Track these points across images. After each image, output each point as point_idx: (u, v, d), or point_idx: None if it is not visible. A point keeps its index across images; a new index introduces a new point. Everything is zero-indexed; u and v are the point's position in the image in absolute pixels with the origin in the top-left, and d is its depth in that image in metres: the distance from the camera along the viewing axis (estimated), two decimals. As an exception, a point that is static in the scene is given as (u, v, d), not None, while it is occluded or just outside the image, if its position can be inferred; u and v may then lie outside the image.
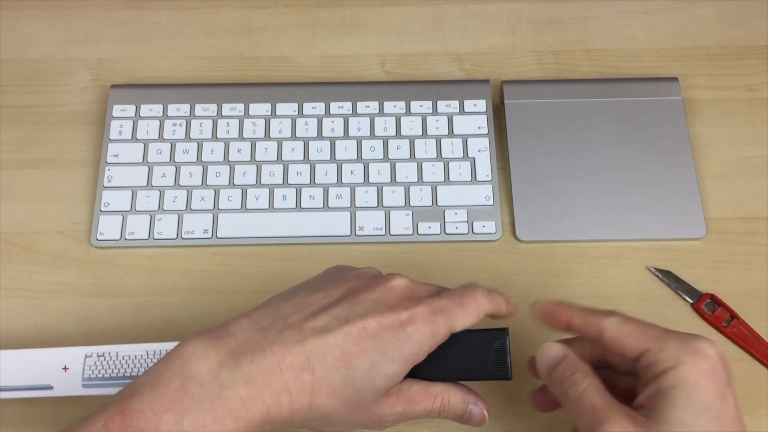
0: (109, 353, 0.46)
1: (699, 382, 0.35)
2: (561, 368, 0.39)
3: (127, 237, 0.55)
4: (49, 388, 0.46)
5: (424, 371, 0.39)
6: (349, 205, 0.56)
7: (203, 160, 0.58)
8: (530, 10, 0.66)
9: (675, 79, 0.60)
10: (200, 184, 0.57)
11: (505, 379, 0.40)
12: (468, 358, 0.41)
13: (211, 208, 0.56)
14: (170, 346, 0.44)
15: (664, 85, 0.60)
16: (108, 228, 0.56)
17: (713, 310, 0.52)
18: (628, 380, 0.39)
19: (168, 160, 0.58)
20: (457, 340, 0.39)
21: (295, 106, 0.60)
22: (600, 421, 0.35)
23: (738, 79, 0.62)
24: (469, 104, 0.59)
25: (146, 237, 0.55)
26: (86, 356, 0.46)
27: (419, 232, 0.55)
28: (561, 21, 0.65)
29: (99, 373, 0.45)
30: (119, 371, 0.45)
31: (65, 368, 0.46)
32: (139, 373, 0.44)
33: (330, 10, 0.66)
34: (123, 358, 0.46)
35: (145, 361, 0.45)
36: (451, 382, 0.41)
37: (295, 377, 0.35)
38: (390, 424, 0.39)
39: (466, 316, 0.39)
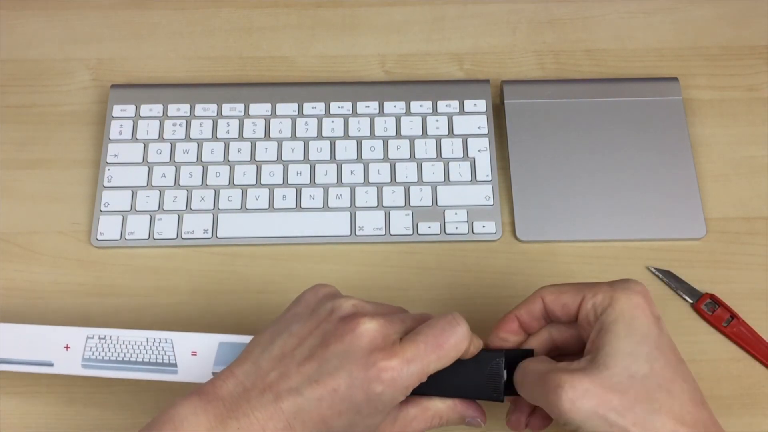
0: (110, 336, 0.46)
1: (635, 313, 0.37)
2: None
3: (127, 237, 0.55)
4: (50, 365, 0.46)
5: (426, 388, 0.39)
6: (349, 205, 0.56)
7: (203, 160, 0.58)
8: (530, 10, 0.66)
9: (675, 79, 0.60)
10: (200, 184, 0.57)
11: (497, 401, 0.40)
12: (462, 377, 0.40)
13: (211, 208, 0.56)
14: (170, 335, 0.46)
15: (664, 85, 0.60)
16: (108, 228, 0.56)
17: (713, 310, 0.52)
18: (575, 343, 0.42)
19: (168, 160, 0.58)
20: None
21: (295, 106, 0.60)
22: (552, 389, 0.36)
23: (738, 79, 0.62)
24: (469, 104, 0.59)
25: (146, 237, 0.55)
26: (88, 337, 0.46)
27: (419, 232, 0.55)
28: (561, 21, 0.65)
29: (99, 355, 0.46)
30: (119, 355, 0.46)
31: (67, 347, 0.46)
32: (138, 359, 0.45)
33: (330, 10, 0.66)
34: (123, 343, 0.46)
35: (145, 348, 0.46)
36: (448, 397, 0.41)
37: None
38: None
39: (442, 359, 0.38)
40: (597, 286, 0.39)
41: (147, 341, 0.46)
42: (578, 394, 0.35)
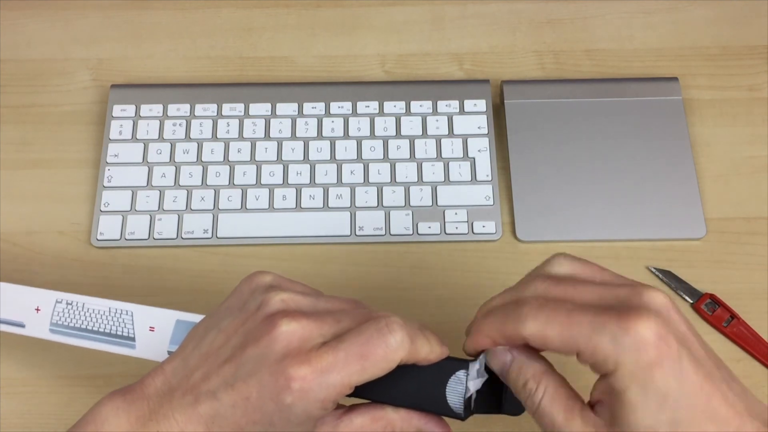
0: (77, 303, 0.46)
1: (647, 378, 0.31)
2: (512, 376, 0.35)
3: (127, 237, 0.55)
4: (21, 325, 0.46)
5: (373, 390, 0.35)
6: (349, 205, 0.56)
7: (203, 160, 0.58)
8: (530, 10, 0.66)
9: (675, 79, 0.60)
10: (200, 184, 0.57)
11: (458, 419, 0.36)
12: (421, 386, 0.35)
13: (211, 208, 0.56)
14: (131, 307, 0.46)
15: (664, 85, 0.60)
16: (108, 228, 0.56)
17: (713, 310, 0.52)
18: None
19: (168, 160, 0.58)
20: (410, 367, 0.35)
21: (295, 106, 0.60)
22: None
23: (738, 79, 0.62)
24: (469, 104, 0.59)
25: (146, 237, 0.55)
26: (57, 301, 0.46)
27: (419, 232, 0.55)
28: (561, 21, 0.65)
29: (65, 320, 0.46)
30: (82, 323, 0.46)
31: (37, 309, 0.46)
32: (99, 329, 0.45)
33: (330, 10, 0.66)
34: (87, 311, 0.46)
35: (107, 318, 0.46)
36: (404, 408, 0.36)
37: None
38: None
39: (366, 371, 0.33)
40: (594, 339, 0.31)
41: (109, 311, 0.46)
42: None
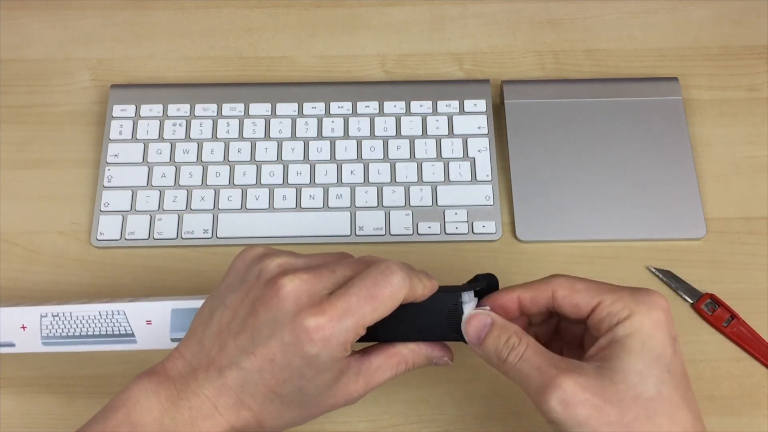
0: (63, 313, 0.46)
1: (653, 332, 0.35)
2: (492, 336, 0.37)
3: (127, 237, 0.55)
4: (12, 345, 0.46)
5: (382, 333, 0.38)
6: (349, 205, 0.56)
7: (203, 160, 0.58)
8: (530, 10, 0.66)
9: (675, 79, 0.60)
10: (200, 184, 0.57)
11: (462, 341, 0.39)
12: (423, 321, 0.39)
13: (211, 208, 0.56)
14: (122, 306, 0.46)
15: (664, 85, 0.60)
16: (108, 228, 0.56)
17: (713, 310, 0.52)
18: (577, 328, 0.40)
19: (168, 160, 0.58)
20: (409, 306, 0.38)
21: (295, 106, 0.60)
22: (548, 384, 0.34)
23: (738, 79, 0.62)
24: (469, 104, 0.59)
25: (146, 237, 0.55)
26: (41, 316, 0.46)
27: (419, 232, 0.55)
28: (561, 21, 0.65)
29: (56, 332, 0.46)
30: (75, 330, 0.46)
31: (23, 327, 0.46)
32: (94, 332, 0.45)
33: (330, 10, 0.66)
34: (76, 318, 0.46)
35: (99, 321, 0.46)
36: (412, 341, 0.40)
37: (236, 416, 0.36)
38: (356, 399, 0.39)
39: (377, 311, 0.36)
40: (617, 293, 0.36)
41: (100, 314, 0.46)
42: (576, 399, 0.34)
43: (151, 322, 0.45)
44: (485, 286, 0.41)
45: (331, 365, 0.36)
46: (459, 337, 0.39)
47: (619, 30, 0.64)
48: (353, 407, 0.41)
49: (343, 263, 0.38)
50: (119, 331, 0.46)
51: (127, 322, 0.46)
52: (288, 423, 0.38)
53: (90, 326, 0.46)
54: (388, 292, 0.36)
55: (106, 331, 0.46)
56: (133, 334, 0.46)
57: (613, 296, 0.36)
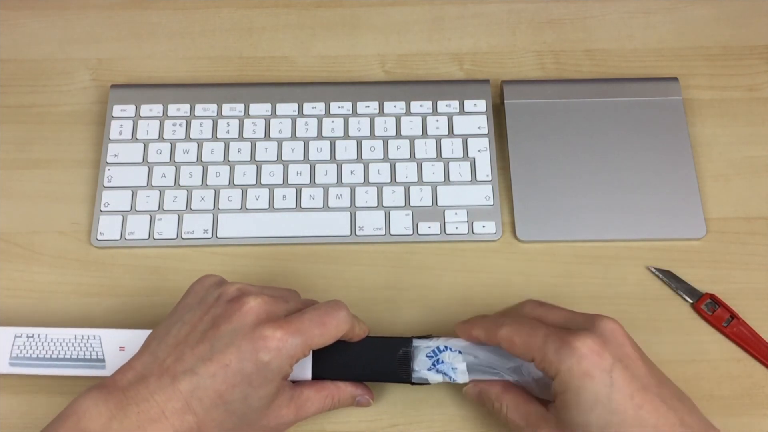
0: (38, 335, 0.48)
1: (580, 385, 0.38)
2: (482, 401, 0.45)
3: (127, 237, 0.55)
4: None
5: (332, 371, 0.45)
6: (349, 205, 0.56)
7: (203, 160, 0.58)
8: (530, 10, 0.66)
9: (675, 79, 0.60)
10: (200, 184, 0.57)
11: (408, 382, 0.45)
12: (376, 362, 0.45)
13: (211, 208, 0.56)
14: (99, 332, 0.48)
15: (664, 85, 0.60)
16: (108, 228, 0.56)
17: (713, 310, 0.52)
18: None
19: (168, 160, 0.58)
20: (365, 346, 0.45)
21: (295, 106, 0.60)
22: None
23: (738, 79, 0.62)
24: (469, 104, 0.59)
25: (146, 237, 0.55)
26: (16, 336, 0.48)
27: (419, 232, 0.55)
28: (561, 21, 0.65)
29: (27, 353, 0.47)
30: (47, 353, 0.47)
31: None
32: (66, 356, 0.47)
33: (330, 10, 0.66)
34: (51, 341, 0.48)
35: (73, 345, 0.47)
36: (344, 381, 0.46)
37: (180, 420, 0.38)
38: (286, 427, 0.43)
39: (324, 336, 0.41)
40: (543, 349, 0.40)
41: (75, 338, 0.48)
42: None
43: (125, 349, 0.47)
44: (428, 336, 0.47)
45: (275, 377, 0.40)
46: (407, 378, 0.45)
47: (619, 30, 0.64)
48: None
49: (294, 298, 0.45)
50: (90, 355, 0.47)
51: (101, 347, 0.47)
52: None
53: (63, 349, 0.47)
54: (335, 323, 0.42)
55: (78, 355, 0.47)
56: (103, 359, 0.47)
57: (540, 354, 0.40)
